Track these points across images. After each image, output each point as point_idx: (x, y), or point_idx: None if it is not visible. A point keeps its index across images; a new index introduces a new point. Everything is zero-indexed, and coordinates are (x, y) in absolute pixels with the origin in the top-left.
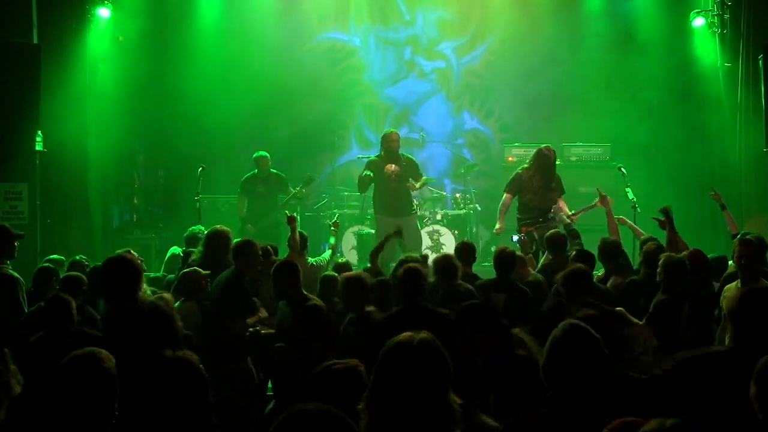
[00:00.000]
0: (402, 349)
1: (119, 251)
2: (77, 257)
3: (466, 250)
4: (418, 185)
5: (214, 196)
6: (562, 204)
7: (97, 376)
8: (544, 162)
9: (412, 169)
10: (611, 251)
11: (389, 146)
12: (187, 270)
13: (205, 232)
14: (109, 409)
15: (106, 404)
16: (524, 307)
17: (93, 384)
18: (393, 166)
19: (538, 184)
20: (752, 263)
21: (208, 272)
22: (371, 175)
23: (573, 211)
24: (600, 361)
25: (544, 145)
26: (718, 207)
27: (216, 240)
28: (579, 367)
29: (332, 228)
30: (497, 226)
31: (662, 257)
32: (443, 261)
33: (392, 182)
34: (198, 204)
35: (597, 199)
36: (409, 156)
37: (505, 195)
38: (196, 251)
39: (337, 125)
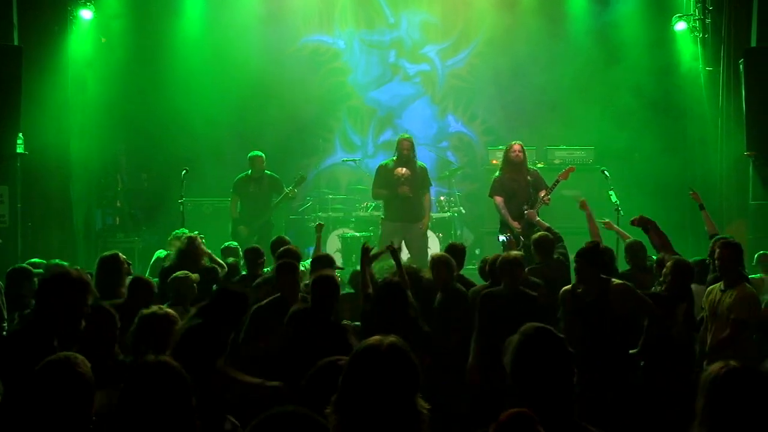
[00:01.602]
0: (371, 353)
1: (107, 253)
2: (54, 261)
3: (455, 252)
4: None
5: (199, 198)
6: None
7: (73, 380)
8: (510, 159)
9: (423, 179)
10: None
11: (400, 152)
12: (179, 274)
13: (188, 234)
14: (85, 413)
15: (82, 409)
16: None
17: (68, 389)
18: (403, 169)
19: (514, 183)
20: (730, 265)
21: (197, 275)
22: (386, 193)
23: (544, 191)
24: (566, 362)
25: (514, 142)
26: (698, 208)
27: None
28: (546, 371)
29: (316, 231)
30: (515, 227)
31: (671, 260)
32: (441, 259)
33: (400, 187)
34: (182, 207)
35: (564, 169)
36: (423, 165)
37: (495, 198)
38: (171, 255)
39: (322, 128)
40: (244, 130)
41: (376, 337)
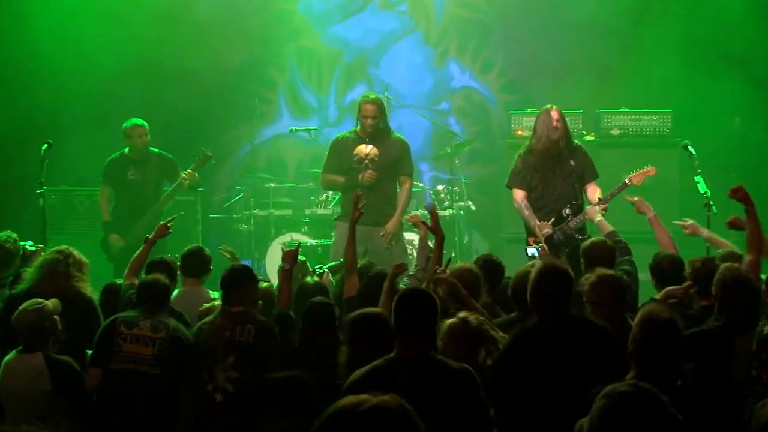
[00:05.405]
0: (345, 420)
1: None
2: None
3: (488, 269)
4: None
5: (68, 188)
6: (592, 191)
7: None
8: (544, 133)
9: (399, 159)
10: (667, 272)
11: (362, 121)
12: (28, 305)
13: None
14: None
15: None
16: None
17: None
18: (367, 147)
19: (548, 170)
20: None
21: (56, 301)
22: (342, 181)
23: (600, 198)
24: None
25: (551, 107)
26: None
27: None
28: None
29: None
30: (543, 230)
31: (719, 270)
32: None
33: (363, 174)
34: (42, 200)
35: (639, 170)
36: (403, 138)
37: (515, 192)
38: (26, 275)
39: (260, 82)
40: (140, 87)
41: (362, 398)
